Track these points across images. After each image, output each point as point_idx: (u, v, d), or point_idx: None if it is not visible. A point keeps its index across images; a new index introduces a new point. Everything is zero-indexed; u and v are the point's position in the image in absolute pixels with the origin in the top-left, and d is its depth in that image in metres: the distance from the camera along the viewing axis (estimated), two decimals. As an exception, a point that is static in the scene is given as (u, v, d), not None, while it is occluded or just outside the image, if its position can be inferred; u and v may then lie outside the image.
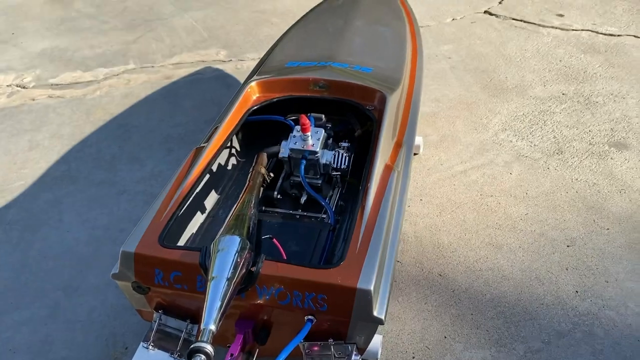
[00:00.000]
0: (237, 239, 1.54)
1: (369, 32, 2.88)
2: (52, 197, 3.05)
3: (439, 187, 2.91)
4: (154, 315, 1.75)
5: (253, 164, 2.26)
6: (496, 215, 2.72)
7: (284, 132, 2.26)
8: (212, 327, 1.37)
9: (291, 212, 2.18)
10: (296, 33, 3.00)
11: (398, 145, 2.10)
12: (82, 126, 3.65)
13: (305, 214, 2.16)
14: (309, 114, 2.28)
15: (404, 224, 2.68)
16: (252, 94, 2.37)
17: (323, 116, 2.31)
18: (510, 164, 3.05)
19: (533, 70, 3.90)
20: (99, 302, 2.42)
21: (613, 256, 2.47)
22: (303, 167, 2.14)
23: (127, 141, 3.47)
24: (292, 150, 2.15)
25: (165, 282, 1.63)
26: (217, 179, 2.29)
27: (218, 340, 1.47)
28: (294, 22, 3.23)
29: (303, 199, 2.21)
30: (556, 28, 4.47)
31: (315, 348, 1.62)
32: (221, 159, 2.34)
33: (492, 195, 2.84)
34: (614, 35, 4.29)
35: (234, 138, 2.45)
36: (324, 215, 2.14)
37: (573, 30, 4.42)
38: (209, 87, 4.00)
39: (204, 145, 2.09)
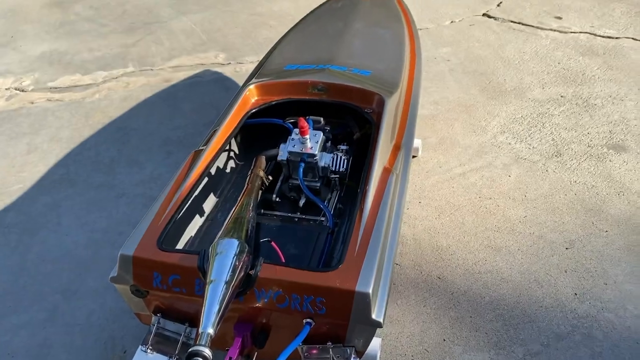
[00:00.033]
0: (236, 242, 1.54)
1: (367, 35, 2.89)
2: (50, 200, 3.05)
3: (438, 190, 2.91)
4: (153, 318, 1.75)
5: (251, 167, 2.26)
6: (495, 218, 2.72)
7: (283, 135, 2.26)
8: (210, 330, 1.36)
9: (290, 215, 2.18)
10: (295, 36, 3.01)
11: (396, 148, 2.10)
12: (81, 129, 3.66)
13: (303, 216, 2.16)
14: (307, 117, 2.28)
15: (402, 227, 2.68)
16: (251, 97, 2.37)
17: (322, 119, 2.31)
18: (508, 167, 3.05)
19: (531, 73, 3.91)
20: (98, 306, 2.42)
21: (612, 258, 2.47)
22: (302, 170, 2.14)
23: (126, 144, 3.47)
24: (290, 153, 2.15)
25: (164, 285, 1.62)
26: (216, 181, 2.29)
27: (217, 343, 1.47)
28: (292, 25, 3.23)
29: (302, 202, 2.21)
30: (554, 30, 4.47)
31: (314, 351, 1.62)
32: (220, 162, 2.34)
33: (490, 198, 2.84)
34: (612, 38, 4.30)
35: (233, 141, 2.45)
36: (323, 218, 2.14)
37: (571, 32, 4.42)
38: (208, 90, 4.01)
39: (202, 148, 2.09)
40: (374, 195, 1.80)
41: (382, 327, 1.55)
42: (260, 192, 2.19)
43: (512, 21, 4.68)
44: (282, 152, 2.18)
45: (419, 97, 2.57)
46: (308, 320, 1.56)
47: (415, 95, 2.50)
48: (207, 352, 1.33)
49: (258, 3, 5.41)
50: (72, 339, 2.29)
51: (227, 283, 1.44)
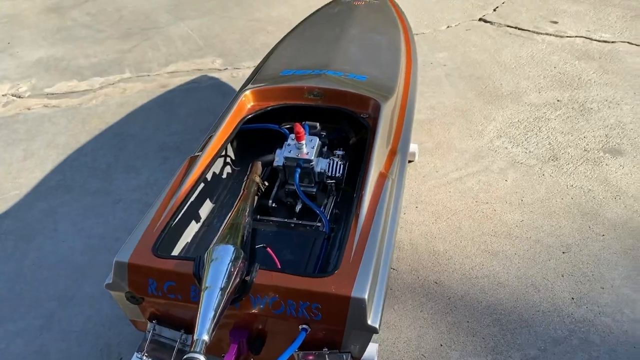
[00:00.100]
0: (231, 248, 1.53)
1: (363, 40, 2.89)
2: (47, 207, 3.04)
3: (435, 194, 2.92)
4: (148, 325, 1.74)
5: (248, 173, 2.26)
6: (491, 222, 2.72)
7: (279, 140, 2.26)
8: (205, 337, 1.36)
9: (286, 220, 2.18)
10: (291, 41, 3.01)
11: (392, 153, 2.10)
12: (77, 135, 3.65)
13: (300, 222, 2.16)
14: (303, 122, 2.28)
15: (399, 232, 2.68)
16: (247, 103, 2.37)
17: (318, 124, 2.32)
18: (505, 171, 3.05)
19: (528, 77, 3.92)
20: (94, 312, 2.41)
21: (608, 262, 2.47)
22: (298, 176, 2.14)
23: (122, 150, 3.47)
24: (286, 158, 2.15)
25: (159, 292, 1.62)
26: (212, 187, 2.29)
27: (212, 350, 1.47)
28: (289, 31, 3.24)
29: (298, 208, 2.20)
30: (550, 35, 4.49)
31: (310, 357, 1.61)
32: (216, 168, 2.34)
33: (487, 202, 2.84)
34: (608, 42, 4.31)
35: (229, 147, 2.45)
36: (319, 224, 2.14)
37: (567, 37, 4.44)
38: (205, 95, 4.01)
39: (198, 154, 2.09)
40: (370, 201, 1.80)
41: (378, 333, 1.54)
42: (256, 197, 2.19)
43: (508, 26, 4.70)
44: (278, 158, 2.18)
45: (415, 102, 2.58)
46: (304, 326, 1.55)
47: (411, 100, 2.51)
48: (202, 359, 1.32)
49: (256, 9, 5.43)
50: (69, 345, 2.28)
51: (223, 289, 1.43)
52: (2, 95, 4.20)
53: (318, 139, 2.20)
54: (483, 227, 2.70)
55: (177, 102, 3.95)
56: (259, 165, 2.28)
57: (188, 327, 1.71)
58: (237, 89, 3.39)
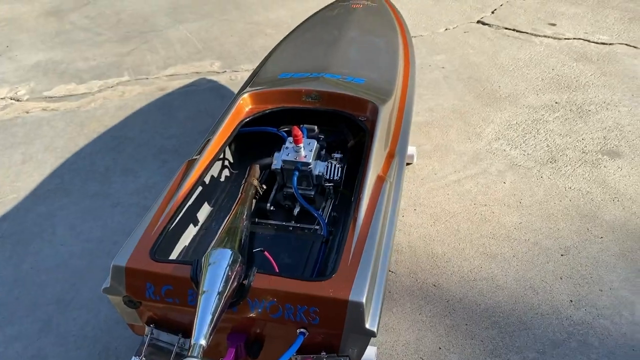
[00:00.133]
0: (229, 252, 1.53)
1: (361, 43, 2.90)
2: (45, 210, 3.04)
3: (433, 197, 2.92)
4: (146, 329, 1.74)
5: (246, 176, 2.26)
6: (490, 225, 2.72)
7: (277, 143, 2.26)
8: (203, 342, 1.36)
9: (284, 223, 2.18)
10: (289, 44, 3.02)
11: (390, 156, 2.10)
12: (76, 138, 3.65)
13: (298, 225, 2.16)
14: (301, 126, 2.28)
15: (398, 234, 2.68)
16: (245, 106, 2.37)
17: (316, 127, 2.32)
18: (503, 173, 3.05)
19: (526, 79, 3.92)
20: (92, 316, 2.41)
21: (607, 265, 2.47)
22: (296, 179, 2.14)
23: (121, 153, 3.47)
24: (284, 161, 2.15)
25: (157, 296, 1.62)
26: (210, 191, 2.29)
27: (210, 354, 1.47)
28: (287, 33, 3.24)
29: (296, 211, 2.20)
30: (549, 37, 4.50)
31: (308, 361, 1.61)
32: (214, 171, 2.34)
33: (485, 205, 2.84)
34: (606, 44, 4.32)
35: (227, 150, 2.45)
36: (317, 227, 2.13)
37: (565, 39, 4.45)
38: (203, 98, 4.01)
39: (196, 157, 2.09)
40: (368, 204, 1.80)
41: (375, 337, 1.54)
42: (254, 201, 2.19)
43: (506, 28, 4.71)
44: (276, 161, 2.18)
45: (412, 105, 2.58)
46: (302, 330, 1.55)
47: (409, 103, 2.51)
48: (199, 363, 1.32)
49: (255, 11, 5.44)
50: (66, 349, 2.28)
51: (220, 294, 1.43)
52: (1, 98, 4.19)
53: (316, 142, 2.20)
54: (481, 230, 2.70)
55: (175, 105, 3.95)
56: (257, 169, 2.28)
57: (186, 331, 1.71)
58: (236, 91, 3.39)
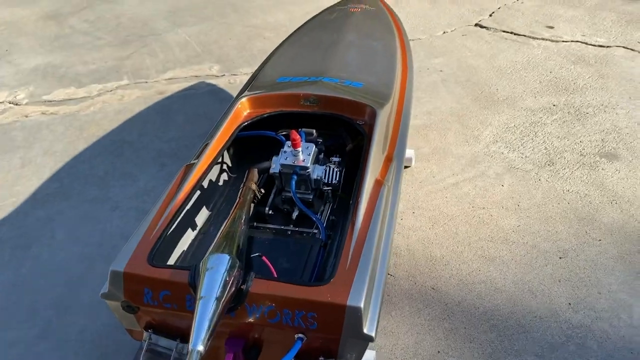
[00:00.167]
0: (226, 257, 1.53)
1: (359, 47, 2.90)
2: (44, 215, 3.04)
3: (431, 200, 2.92)
4: (144, 334, 1.74)
5: (244, 180, 2.26)
6: (488, 228, 2.72)
7: (275, 147, 2.27)
8: (200, 347, 1.36)
9: (283, 227, 2.18)
10: (287, 48, 3.02)
11: (388, 160, 2.10)
12: (75, 142, 3.66)
13: (296, 229, 2.16)
14: (299, 129, 2.29)
15: (396, 238, 2.68)
16: (243, 110, 2.37)
17: (314, 131, 2.32)
18: (501, 176, 3.06)
19: (524, 82, 3.93)
20: (91, 321, 2.40)
21: (605, 267, 2.47)
22: (294, 183, 2.14)
23: (120, 157, 3.47)
24: (283, 165, 2.15)
25: (155, 301, 1.62)
26: (208, 195, 2.29)
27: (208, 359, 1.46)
28: (286, 37, 3.25)
29: (294, 215, 2.20)
30: (546, 40, 4.51)
31: (306, 366, 1.61)
32: (212, 175, 2.34)
33: (484, 208, 2.85)
34: (604, 47, 4.33)
35: (225, 154, 2.45)
36: (316, 231, 2.14)
37: (563, 41, 4.46)
38: (202, 102, 4.02)
39: (194, 161, 2.09)
40: (366, 208, 1.80)
41: (374, 342, 1.54)
42: (252, 205, 2.19)
43: (504, 31, 4.72)
44: (275, 165, 2.18)
45: (410, 109, 2.59)
46: (300, 335, 1.55)
47: (407, 107, 2.52)
48: (197, 369, 1.32)
49: (254, 15, 5.45)
50: (65, 355, 2.28)
51: (218, 299, 1.43)
52: (0, 102, 4.20)
53: (314, 146, 2.20)
54: (480, 233, 2.70)
55: (174, 108, 3.96)
56: (255, 173, 2.28)
57: (184, 336, 1.71)
58: (235, 95, 3.40)
